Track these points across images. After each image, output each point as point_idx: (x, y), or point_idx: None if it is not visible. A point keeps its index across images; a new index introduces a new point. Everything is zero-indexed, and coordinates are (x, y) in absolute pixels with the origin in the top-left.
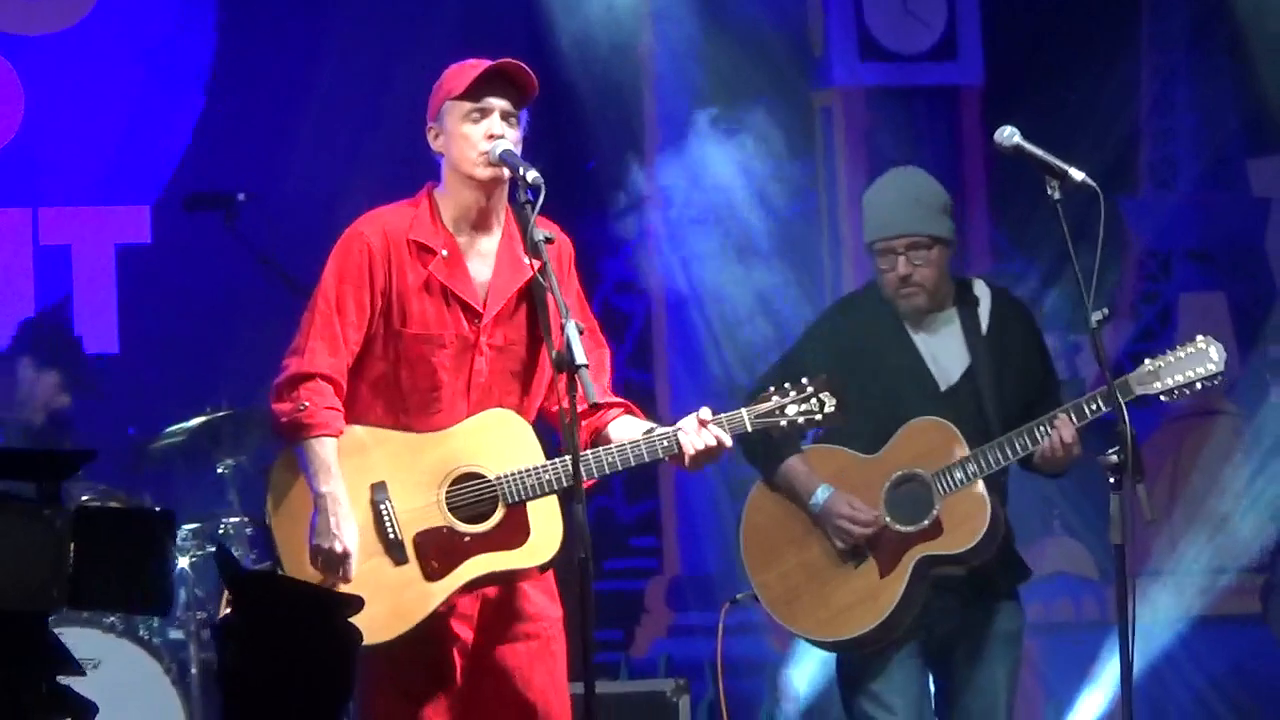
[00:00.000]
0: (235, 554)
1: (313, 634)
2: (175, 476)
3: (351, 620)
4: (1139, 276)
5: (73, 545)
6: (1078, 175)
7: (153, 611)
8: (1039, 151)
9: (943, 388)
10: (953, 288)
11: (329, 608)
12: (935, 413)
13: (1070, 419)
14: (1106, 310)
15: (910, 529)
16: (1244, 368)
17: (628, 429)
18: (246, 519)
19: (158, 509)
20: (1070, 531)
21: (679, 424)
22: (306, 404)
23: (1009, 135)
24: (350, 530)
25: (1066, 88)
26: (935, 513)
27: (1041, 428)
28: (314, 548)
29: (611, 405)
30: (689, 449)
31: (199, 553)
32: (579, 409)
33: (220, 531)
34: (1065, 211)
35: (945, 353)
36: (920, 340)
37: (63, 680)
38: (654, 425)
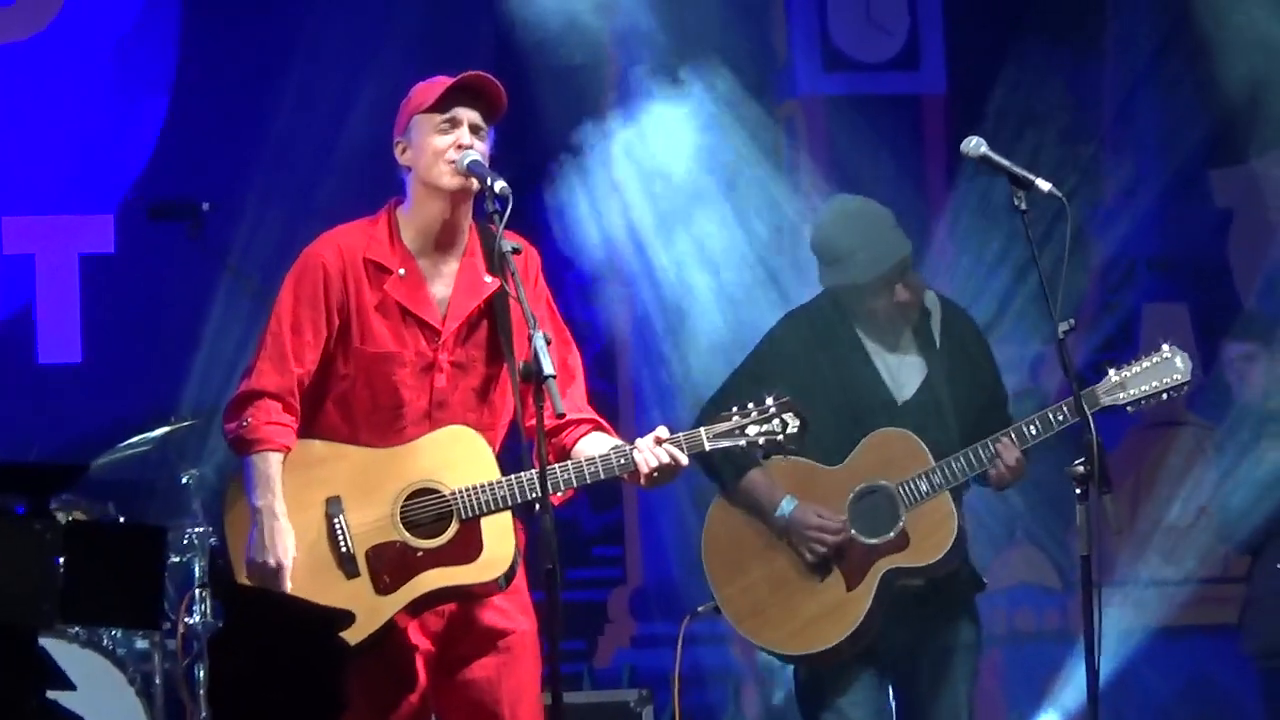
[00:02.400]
0: (203, 565)
1: (306, 646)
2: (139, 487)
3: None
4: (1101, 286)
5: (63, 559)
6: (1045, 186)
7: (143, 626)
8: (1006, 162)
9: (899, 401)
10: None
11: (321, 621)
12: (894, 425)
13: (1011, 441)
14: (1073, 321)
15: (876, 541)
16: (1206, 378)
17: (595, 446)
18: (211, 529)
19: (148, 524)
20: (1033, 541)
21: (636, 442)
22: (249, 420)
23: (976, 145)
24: (285, 544)
25: (1030, 97)
26: (901, 525)
27: (990, 446)
28: (249, 562)
29: (581, 421)
30: (643, 467)
31: None
32: (548, 421)
33: (185, 542)
34: (1030, 222)
35: (901, 365)
36: (876, 353)
37: (51, 695)
38: (621, 443)
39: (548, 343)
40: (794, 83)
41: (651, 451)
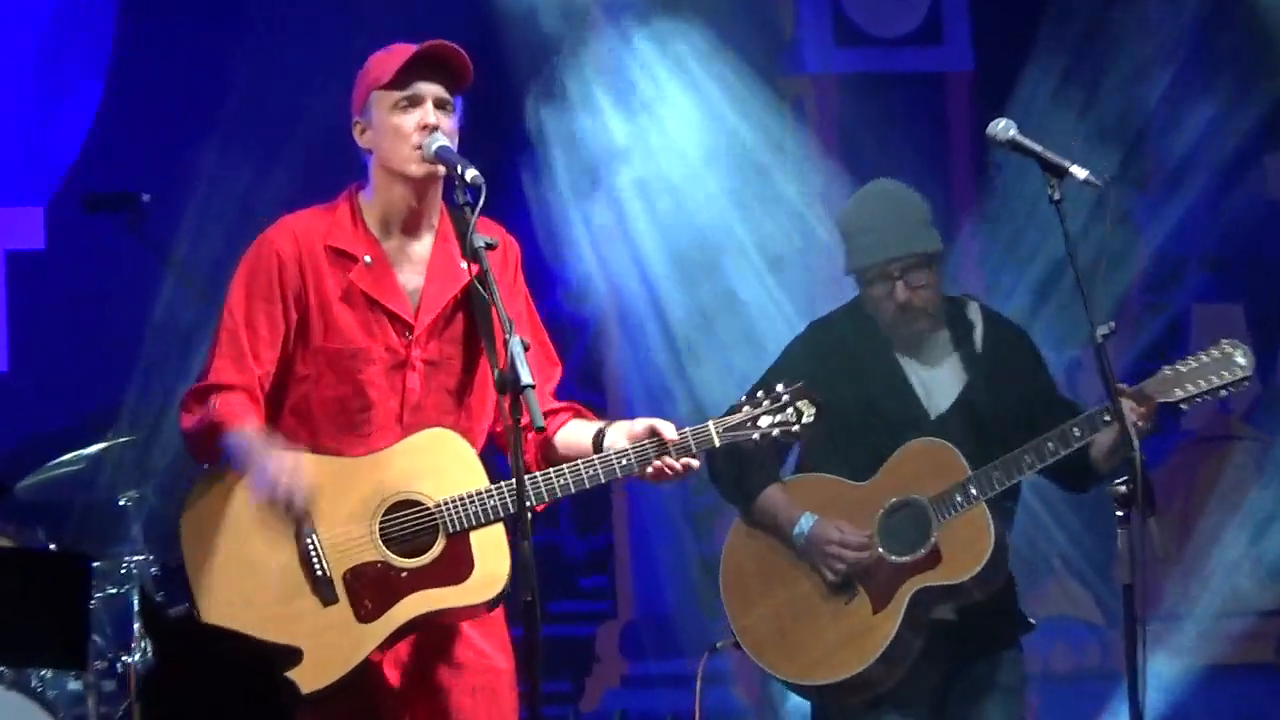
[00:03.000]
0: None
1: (247, 689)
2: (72, 509)
3: (289, 675)
4: (1146, 285)
5: None
6: (1081, 173)
7: (70, 666)
8: (1037, 147)
9: (933, 416)
10: (944, 305)
11: (264, 661)
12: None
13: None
14: (1113, 324)
15: (905, 559)
16: (1264, 388)
17: (576, 434)
18: (152, 557)
19: (73, 551)
20: (1071, 571)
21: (632, 426)
22: (215, 403)
23: (1005, 129)
24: (286, 462)
25: (1066, 76)
26: (933, 540)
27: (1050, 443)
28: (262, 504)
29: (557, 411)
30: (658, 471)
31: (99, 595)
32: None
33: (123, 572)
34: (1065, 213)
35: (936, 380)
36: (909, 366)
37: None
38: (602, 424)
39: (526, 349)
40: (802, 59)
41: (665, 463)
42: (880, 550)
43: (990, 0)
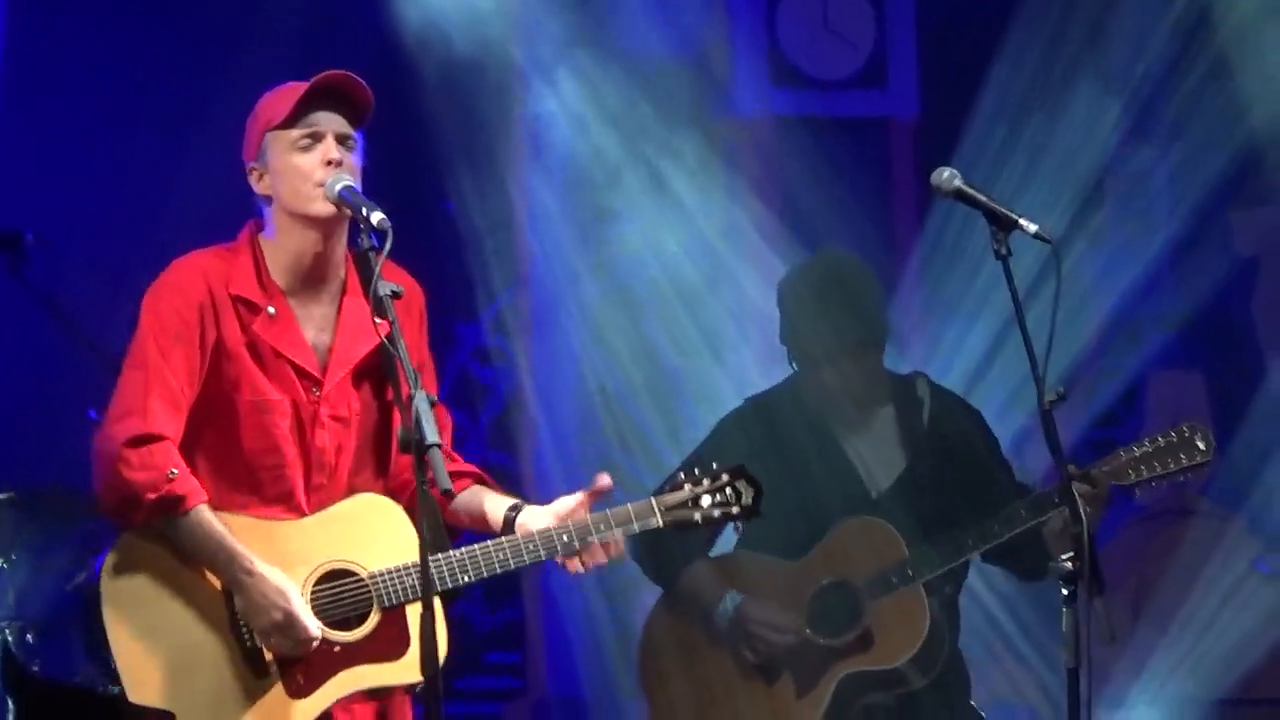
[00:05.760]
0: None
1: None
2: None
3: None
4: (1100, 349)
5: None
6: (1030, 227)
7: None
8: (984, 198)
9: (874, 495)
10: (888, 383)
11: None
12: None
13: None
14: (1062, 390)
15: (834, 642)
16: (1223, 459)
17: (480, 504)
18: (28, 626)
19: None
20: (1014, 653)
21: (559, 504)
22: (174, 470)
23: (949, 178)
24: (282, 586)
25: (1017, 123)
26: (865, 623)
27: (995, 525)
28: (259, 632)
29: (460, 475)
30: (585, 564)
31: None
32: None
33: None
34: (1013, 270)
35: (877, 457)
36: (850, 444)
37: None
38: (516, 500)
39: (432, 405)
40: (736, 101)
41: (592, 555)
42: (808, 632)
43: (937, 43)
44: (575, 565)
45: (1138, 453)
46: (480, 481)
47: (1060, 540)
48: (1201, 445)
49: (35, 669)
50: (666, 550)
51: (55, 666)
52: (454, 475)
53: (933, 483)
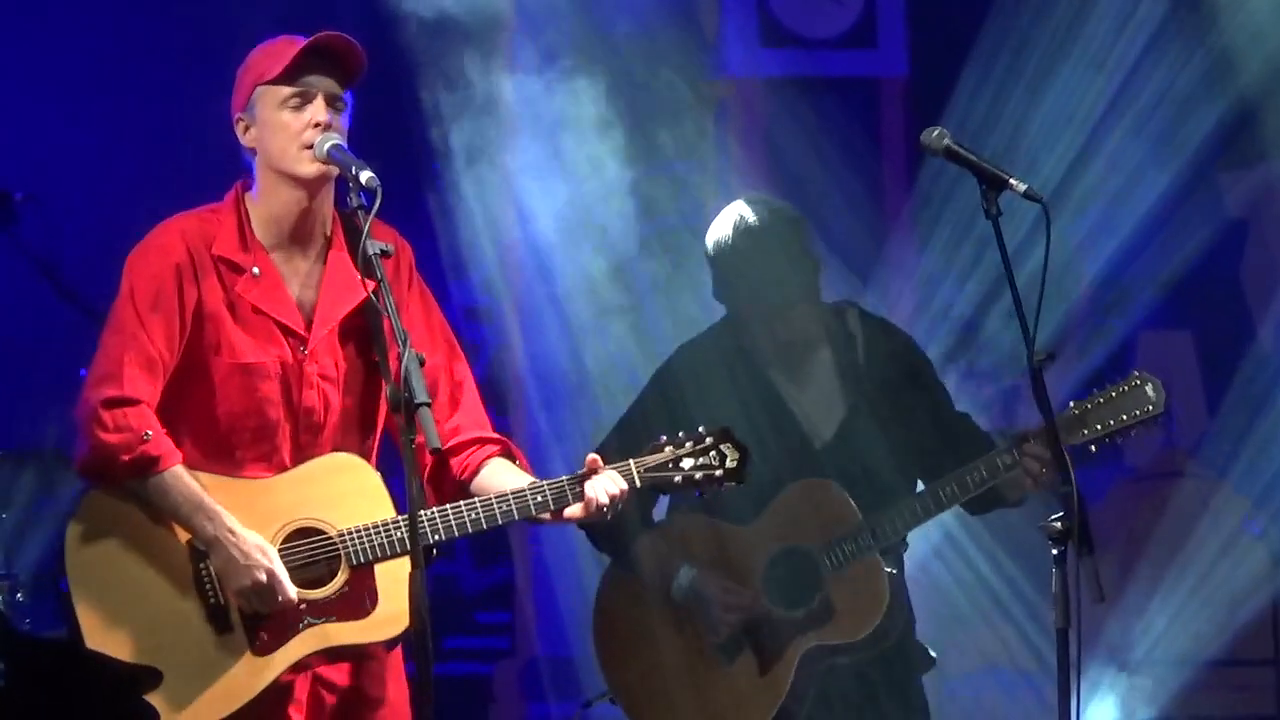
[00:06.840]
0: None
1: (102, 711)
2: None
3: (148, 697)
4: (1090, 309)
5: None
6: (1020, 186)
7: None
8: (974, 157)
9: (816, 445)
10: (822, 322)
11: (121, 682)
12: (811, 474)
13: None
14: (1053, 350)
15: (795, 615)
16: (1212, 421)
17: (502, 478)
18: (18, 585)
19: None
20: (1004, 615)
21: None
22: (149, 432)
23: (939, 137)
24: (260, 548)
25: (1006, 82)
26: (823, 594)
27: (949, 487)
28: (237, 592)
29: (484, 441)
30: (599, 498)
31: None
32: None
33: None
34: (1003, 229)
35: (817, 405)
36: (787, 391)
37: None
38: (538, 482)
39: (421, 363)
40: (725, 61)
41: (603, 487)
42: (766, 604)
43: (927, 2)
44: (582, 512)
45: (1090, 406)
46: (506, 454)
47: (1016, 488)
48: (1151, 394)
49: (26, 626)
50: (615, 520)
51: (45, 625)
52: (479, 442)
53: (875, 424)
